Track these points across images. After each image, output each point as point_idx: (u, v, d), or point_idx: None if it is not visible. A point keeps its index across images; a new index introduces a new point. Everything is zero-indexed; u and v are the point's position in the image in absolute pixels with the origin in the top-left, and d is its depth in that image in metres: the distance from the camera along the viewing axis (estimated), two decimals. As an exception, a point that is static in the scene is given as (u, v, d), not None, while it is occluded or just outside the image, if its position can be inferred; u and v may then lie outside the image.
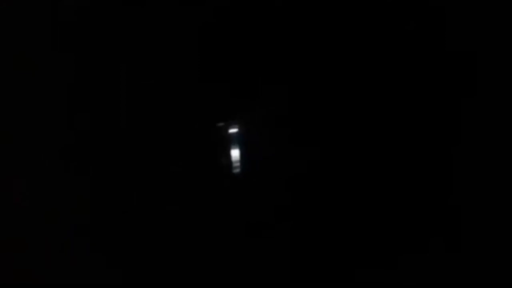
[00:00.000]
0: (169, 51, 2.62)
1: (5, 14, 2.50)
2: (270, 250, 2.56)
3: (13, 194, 2.48)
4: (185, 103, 2.65)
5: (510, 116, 2.57)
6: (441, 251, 2.53)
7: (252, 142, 2.66)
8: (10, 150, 2.49)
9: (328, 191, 2.61)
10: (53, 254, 2.45)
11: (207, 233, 2.56)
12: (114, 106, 2.60)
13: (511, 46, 2.57)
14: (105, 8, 2.58)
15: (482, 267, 2.47)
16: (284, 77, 2.64)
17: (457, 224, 2.55)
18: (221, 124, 2.66)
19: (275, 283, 2.52)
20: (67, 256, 2.46)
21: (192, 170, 2.64)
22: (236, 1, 2.62)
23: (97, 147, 2.58)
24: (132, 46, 2.60)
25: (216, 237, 2.56)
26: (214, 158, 2.67)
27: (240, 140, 2.66)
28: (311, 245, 2.58)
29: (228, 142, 2.67)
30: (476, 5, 2.56)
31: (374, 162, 2.61)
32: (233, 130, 2.67)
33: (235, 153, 2.66)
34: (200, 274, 2.52)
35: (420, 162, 2.61)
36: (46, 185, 2.50)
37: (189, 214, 2.58)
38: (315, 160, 2.61)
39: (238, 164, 2.65)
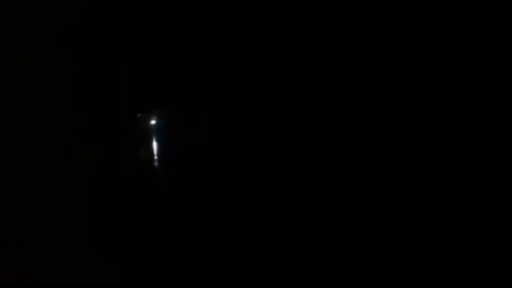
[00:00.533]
0: (169, 51, 2.62)
1: (5, 14, 2.50)
2: (270, 250, 2.56)
3: (13, 194, 2.48)
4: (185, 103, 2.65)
5: (510, 116, 2.57)
6: (441, 251, 2.53)
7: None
8: (10, 150, 2.49)
9: (328, 191, 2.61)
10: (53, 254, 2.45)
11: (207, 232, 2.57)
12: (114, 106, 2.60)
13: (511, 46, 2.57)
14: (105, 8, 2.58)
15: (482, 267, 2.47)
16: (284, 77, 2.64)
17: (457, 224, 2.55)
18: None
19: (275, 283, 2.52)
20: (67, 256, 2.46)
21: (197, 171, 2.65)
22: (236, 1, 2.62)
23: (97, 147, 2.58)
24: (132, 46, 2.61)
25: (216, 236, 2.57)
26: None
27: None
28: (310, 245, 2.58)
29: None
30: (476, 5, 2.56)
31: (374, 162, 2.61)
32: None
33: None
34: (200, 274, 2.52)
35: (420, 162, 2.61)
36: (46, 185, 2.50)
37: (188, 214, 2.58)
38: (314, 160, 2.61)
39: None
